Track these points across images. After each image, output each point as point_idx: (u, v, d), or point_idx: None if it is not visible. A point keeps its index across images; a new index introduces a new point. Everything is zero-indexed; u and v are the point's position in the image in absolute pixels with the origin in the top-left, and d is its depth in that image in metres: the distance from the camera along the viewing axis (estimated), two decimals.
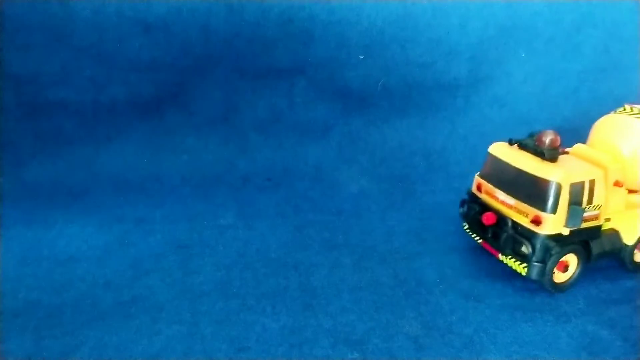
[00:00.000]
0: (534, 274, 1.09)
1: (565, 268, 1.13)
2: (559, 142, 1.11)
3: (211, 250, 1.32)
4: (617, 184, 1.16)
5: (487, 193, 1.21)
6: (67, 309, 1.09)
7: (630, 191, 1.21)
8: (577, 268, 1.15)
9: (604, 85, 1.72)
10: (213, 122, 1.70)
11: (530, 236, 1.09)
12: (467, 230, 1.26)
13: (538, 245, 1.07)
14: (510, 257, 1.13)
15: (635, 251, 1.21)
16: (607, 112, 1.69)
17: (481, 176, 1.24)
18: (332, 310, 1.09)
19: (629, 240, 1.18)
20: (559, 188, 1.05)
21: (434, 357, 0.97)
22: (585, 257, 1.15)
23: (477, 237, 1.23)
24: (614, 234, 1.18)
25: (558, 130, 1.15)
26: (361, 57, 1.68)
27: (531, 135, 1.16)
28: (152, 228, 1.41)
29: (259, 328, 1.04)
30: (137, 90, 1.61)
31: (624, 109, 1.25)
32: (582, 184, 1.07)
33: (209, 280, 1.19)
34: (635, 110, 1.22)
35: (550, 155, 1.09)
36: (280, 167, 1.71)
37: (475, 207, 1.21)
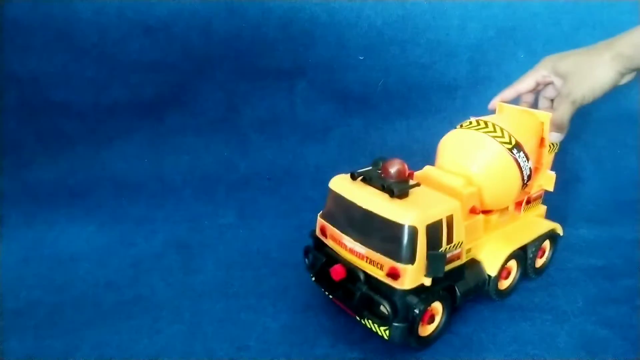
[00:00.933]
0: (398, 338, 0.91)
1: (431, 319, 0.98)
2: (406, 172, 0.96)
3: (212, 250, 1.33)
4: (474, 210, 1.02)
5: (333, 239, 1.00)
6: (68, 308, 1.10)
7: (484, 212, 1.08)
8: (442, 315, 1.00)
9: None
10: (214, 123, 1.71)
11: (388, 293, 0.90)
12: (317, 283, 1.06)
13: (399, 304, 0.89)
14: (367, 318, 0.94)
15: (500, 280, 1.11)
16: (607, 113, 1.70)
17: (324, 217, 1.03)
18: (333, 309, 1.09)
19: (492, 270, 1.05)
20: (414, 232, 0.86)
21: (433, 356, 0.97)
22: (450, 301, 1.00)
23: (329, 294, 1.03)
24: (476, 265, 1.05)
25: None
26: (361, 58, 1.68)
27: (375, 164, 1.00)
28: (153, 228, 1.42)
29: (259, 327, 1.04)
30: (139, 91, 1.62)
31: (470, 123, 1.11)
32: (439, 222, 0.90)
33: (210, 280, 1.20)
34: (482, 124, 1.08)
35: (399, 190, 0.90)
36: (280, 168, 1.71)
37: (321, 258, 1.01)
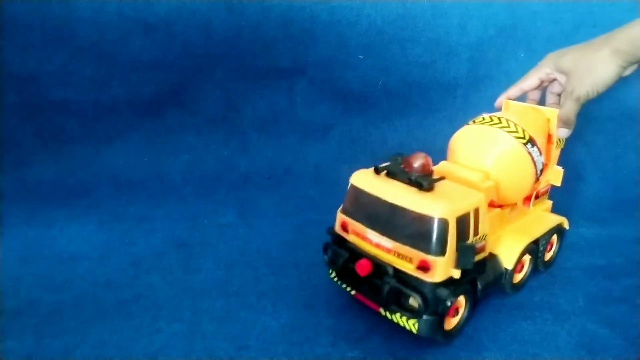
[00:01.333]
0: (426, 331, 0.92)
1: (456, 312, 0.99)
2: (430, 167, 0.96)
3: (212, 248, 1.32)
4: (492, 204, 1.05)
5: (356, 234, 0.99)
6: (68, 307, 1.09)
7: (498, 206, 1.11)
8: (465, 308, 1.01)
9: None
10: (214, 122, 1.71)
11: (418, 286, 0.90)
12: (336, 280, 1.06)
13: (429, 297, 0.89)
14: (395, 312, 0.95)
15: (515, 274, 1.13)
16: (607, 112, 1.70)
17: (345, 212, 1.02)
18: (333, 308, 1.09)
19: (508, 263, 1.07)
20: (445, 225, 0.87)
21: (433, 356, 0.97)
22: (472, 295, 1.01)
23: (350, 289, 1.02)
24: (494, 259, 1.06)
25: None
26: (361, 57, 1.68)
27: (395, 159, 1.00)
28: (152, 227, 1.41)
29: (259, 326, 1.04)
30: (138, 90, 1.62)
31: (483, 119, 1.13)
32: (467, 215, 0.91)
33: (210, 279, 1.20)
34: (495, 120, 1.11)
35: (428, 183, 0.91)
36: (280, 167, 1.71)
37: (343, 254, 1.00)
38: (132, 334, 1.02)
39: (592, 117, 1.66)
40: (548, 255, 1.25)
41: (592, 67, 1.07)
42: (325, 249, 1.05)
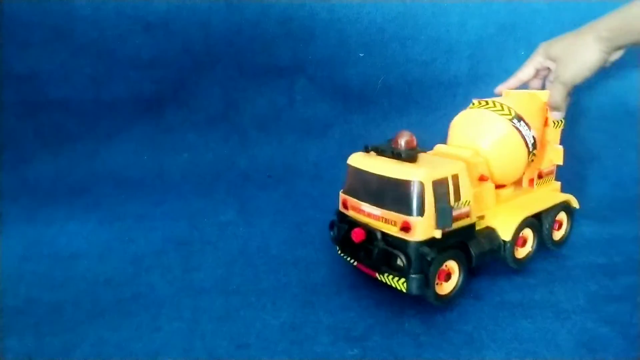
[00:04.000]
0: (414, 288, 0.99)
1: (447, 277, 1.06)
2: (415, 143, 1.05)
3: (212, 247, 1.32)
4: (483, 178, 1.12)
5: (354, 208, 1.11)
6: (68, 306, 1.09)
7: (498, 186, 1.18)
8: (459, 275, 1.08)
9: (603, 84, 1.72)
10: (213, 120, 1.71)
11: (402, 245, 0.99)
12: (342, 255, 1.17)
13: (412, 255, 0.98)
14: (386, 274, 1.04)
15: (516, 247, 1.17)
16: (608, 110, 1.69)
17: (345, 192, 1.15)
18: (333, 307, 1.09)
19: (505, 236, 1.13)
20: (421, 187, 0.97)
21: (434, 354, 0.97)
22: (466, 261, 1.08)
23: (353, 260, 1.14)
24: (491, 231, 1.13)
25: None
26: (361, 55, 1.68)
27: (389, 141, 1.11)
28: (152, 225, 1.41)
29: (259, 325, 1.04)
30: (138, 88, 1.62)
31: (472, 104, 1.21)
32: (445, 180, 1.00)
33: (210, 277, 1.20)
34: (482, 103, 1.18)
35: (407, 155, 1.02)
36: (280, 165, 1.71)
37: (344, 227, 1.12)
38: (132, 332, 1.02)
39: (593, 116, 1.66)
40: (558, 234, 1.29)
41: (577, 53, 1.15)
42: (331, 226, 1.16)
